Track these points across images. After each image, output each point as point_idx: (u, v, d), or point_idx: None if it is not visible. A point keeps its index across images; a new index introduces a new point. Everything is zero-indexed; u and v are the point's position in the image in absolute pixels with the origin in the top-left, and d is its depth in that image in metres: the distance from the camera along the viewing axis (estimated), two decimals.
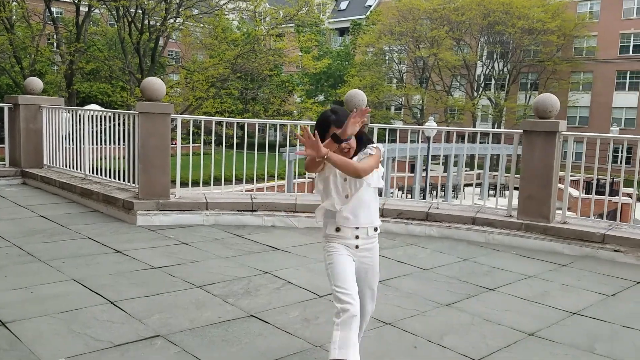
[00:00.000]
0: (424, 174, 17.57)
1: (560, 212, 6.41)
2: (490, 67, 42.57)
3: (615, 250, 5.76)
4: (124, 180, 7.43)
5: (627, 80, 41.91)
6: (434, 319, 3.98)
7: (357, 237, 2.88)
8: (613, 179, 21.83)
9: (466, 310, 4.18)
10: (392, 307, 4.17)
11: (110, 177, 7.72)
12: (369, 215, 2.89)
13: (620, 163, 7.02)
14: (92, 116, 7.98)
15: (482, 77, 43.22)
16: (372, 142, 2.89)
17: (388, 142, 8.92)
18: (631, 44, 41.54)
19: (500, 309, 4.22)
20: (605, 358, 3.43)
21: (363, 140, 2.87)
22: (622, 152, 6.62)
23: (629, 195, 18.33)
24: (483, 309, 4.20)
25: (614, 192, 19.30)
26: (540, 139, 6.17)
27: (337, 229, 2.88)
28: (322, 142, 2.63)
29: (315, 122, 2.86)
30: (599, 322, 4.05)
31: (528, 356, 3.42)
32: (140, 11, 21.69)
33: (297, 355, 3.31)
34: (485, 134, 20.34)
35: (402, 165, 20.94)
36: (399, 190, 21.77)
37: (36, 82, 9.00)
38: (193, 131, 7.27)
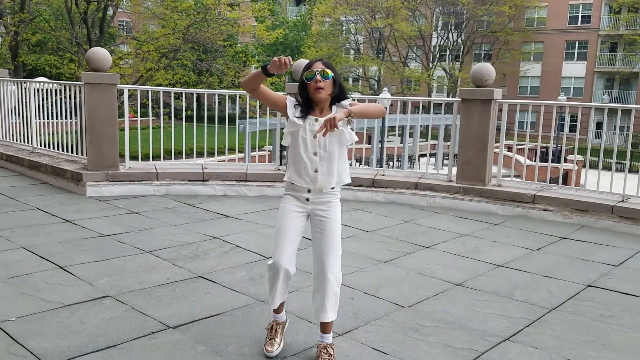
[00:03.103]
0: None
1: (496, 176, 6.80)
2: (445, 38, 43.05)
3: (544, 210, 6.19)
4: (73, 152, 7.43)
5: (576, 50, 43.16)
6: (372, 274, 4.27)
7: (309, 191, 2.85)
8: (561, 146, 22.71)
9: (402, 266, 4.49)
10: None
11: (59, 149, 7.69)
12: (333, 175, 2.82)
13: (562, 131, 7.42)
14: (39, 88, 7.87)
15: (437, 48, 43.70)
16: (347, 97, 2.83)
17: None
18: (580, 15, 42.65)
19: (433, 264, 4.55)
20: (521, 302, 3.80)
21: (340, 94, 2.79)
22: (565, 120, 6.99)
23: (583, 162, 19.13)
24: (417, 264, 4.52)
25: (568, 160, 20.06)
26: (477, 106, 6.50)
27: (292, 183, 2.87)
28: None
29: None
30: (521, 272, 4.42)
31: (453, 302, 3.75)
32: None
33: (242, 309, 3.53)
34: (439, 105, 20.82)
35: (359, 137, 21.16)
36: (356, 161, 22.07)
37: None
38: (145, 103, 7.29)
